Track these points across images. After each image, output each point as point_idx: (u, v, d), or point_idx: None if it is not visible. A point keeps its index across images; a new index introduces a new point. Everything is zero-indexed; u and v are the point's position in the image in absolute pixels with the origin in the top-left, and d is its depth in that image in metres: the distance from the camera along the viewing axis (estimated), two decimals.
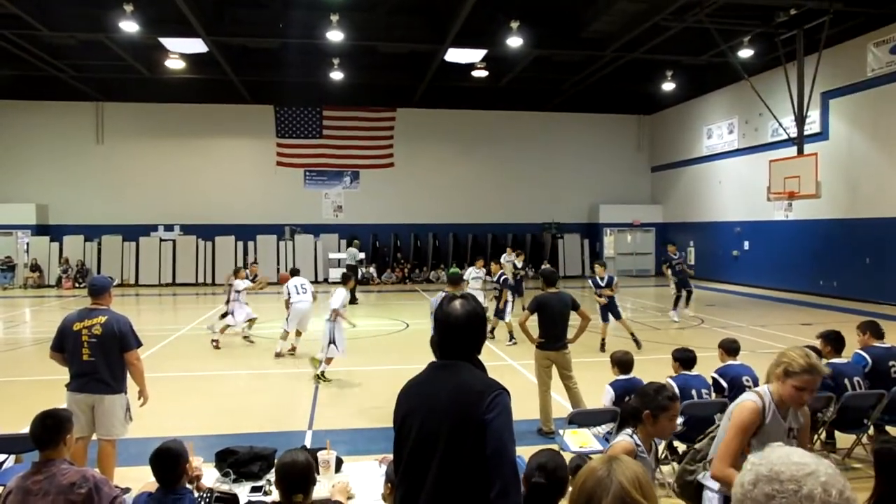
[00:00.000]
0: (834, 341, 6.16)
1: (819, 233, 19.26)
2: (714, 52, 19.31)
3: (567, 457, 4.02)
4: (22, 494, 3.25)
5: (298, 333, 11.46)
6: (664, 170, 28.79)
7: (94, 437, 5.26)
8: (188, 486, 3.53)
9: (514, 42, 18.12)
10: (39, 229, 25.19)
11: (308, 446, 5.49)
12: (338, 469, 4.20)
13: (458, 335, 2.48)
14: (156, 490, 3.36)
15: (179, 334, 13.74)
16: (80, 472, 3.37)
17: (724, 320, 14.81)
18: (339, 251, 25.75)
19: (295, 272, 12.01)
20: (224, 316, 12.45)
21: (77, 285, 23.30)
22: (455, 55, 20.26)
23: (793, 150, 18.18)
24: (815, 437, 5.85)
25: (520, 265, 15.04)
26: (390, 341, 13.04)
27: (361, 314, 16.27)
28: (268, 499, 3.81)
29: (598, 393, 6.04)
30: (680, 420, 4.34)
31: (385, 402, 7.23)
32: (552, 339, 6.99)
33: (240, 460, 4.22)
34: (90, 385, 5.13)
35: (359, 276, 21.02)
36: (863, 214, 17.77)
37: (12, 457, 5.05)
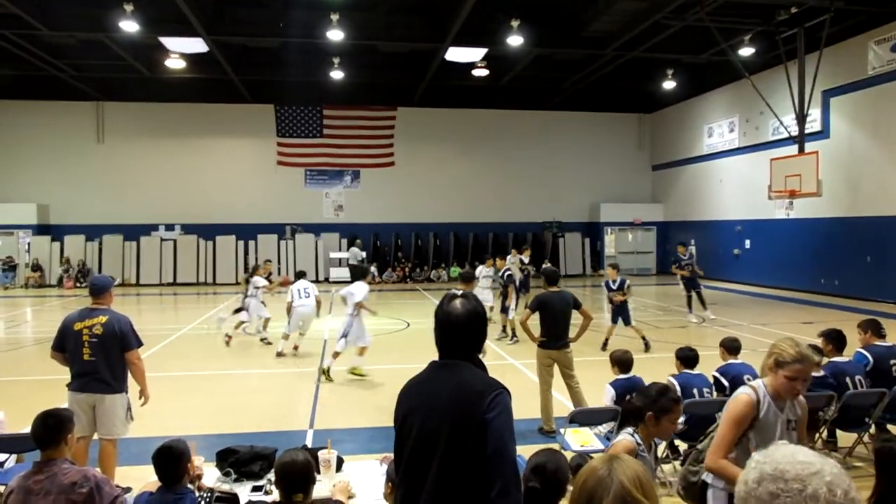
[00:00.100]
0: (835, 340, 6.16)
1: (820, 231, 19.25)
2: (714, 50, 19.29)
3: (568, 455, 4.02)
4: (23, 494, 3.25)
5: (301, 333, 11.50)
6: (665, 168, 28.77)
7: (96, 436, 5.26)
8: (190, 485, 3.53)
9: (515, 41, 18.11)
10: (40, 229, 25.21)
11: (309, 446, 5.49)
12: (339, 468, 4.20)
13: (459, 334, 2.48)
14: (157, 489, 3.35)
15: (180, 334, 13.74)
16: (81, 471, 3.38)
17: (725, 319, 14.79)
18: (340, 250, 25.76)
19: (300, 275, 12.01)
20: (238, 311, 12.44)
21: (78, 285, 23.32)
22: (455, 54, 20.26)
23: (794, 149, 18.16)
24: (817, 436, 5.84)
25: (526, 260, 15.05)
26: (391, 340, 13.03)
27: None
28: (269, 498, 3.81)
29: (600, 392, 6.04)
30: (681, 419, 4.34)
31: (386, 402, 7.24)
32: (554, 338, 6.99)
33: (241, 460, 4.22)
34: (91, 385, 5.13)
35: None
36: (864, 213, 17.76)
37: (14, 456, 5.06)
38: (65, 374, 5.29)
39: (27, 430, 3.68)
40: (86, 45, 20.15)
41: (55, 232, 25.34)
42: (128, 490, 4.32)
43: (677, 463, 5.62)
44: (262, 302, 12.59)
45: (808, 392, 5.35)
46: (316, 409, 8.07)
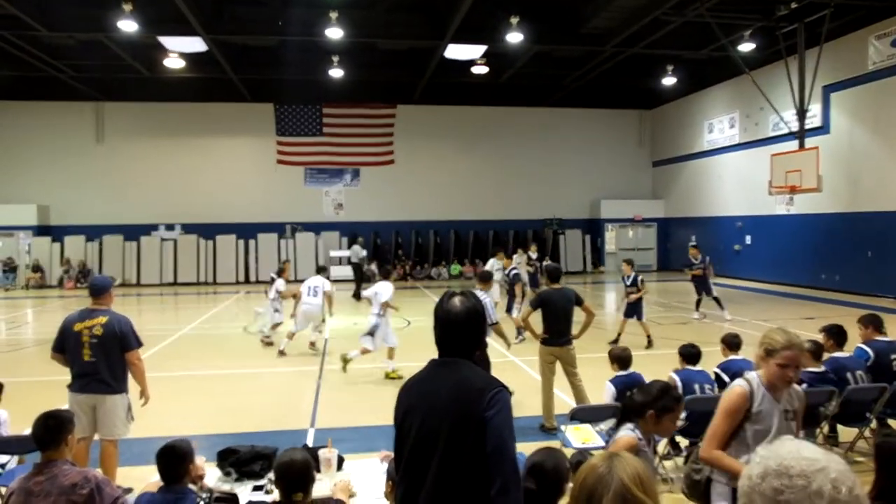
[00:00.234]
0: (836, 335, 6.17)
1: (820, 227, 19.23)
2: (714, 46, 19.25)
3: (568, 453, 4.01)
4: (24, 495, 3.25)
5: (319, 331, 11.55)
6: (665, 164, 28.74)
7: (96, 437, 5.26)
8: (191, 485, 3.52)
9: (514, 38, 18.07)
10: (40, 230, 25.22)
11: (310, 445, 5.49)
12: (339, 467, 4.20)
13: (458, 332, 2.48)
14: (157, 490, 3.35)
15: (181, 334, 13.74)
16: (81, 472, 3.38)
17: (731, 316, 14.75)
18: (341, 249, 25.74)
19: (321, 269, 12.04)
20: (275, 325, 12.29)
21: (79, 285, 23.31)
22: (455, 51, 20.23)
23: (794, 144, 18.14)
24: (818, 431, 5.84)
25: (534, 256, 15.05)
26: None
27: (364, 311, 16.23)
28: (269, 498, 3.81)
29: (601, 389, 6.04)
30: (682, 416, 4.34)
31: (386, 400, 7.23)
32: (556, 335, 6.98)
33: (241, 459, 4.21)
34: (91, 385, 5.13)
35: (362, 274, 20.99)
36: (864, 208, 17.74)
37: (15, 458, 5.06)
38: (65, 374, 5.28)
39: (28, 431, 3.68)
40: (85, 46, 20.14)
41: (55, 233, 25.34)
42: (129, 491, 4.33)
43: (679, 459, 5.62)
44: (277, 310, 12.30)
45: (809, 388, 5.36)
46: (317, 408, 8.08)
